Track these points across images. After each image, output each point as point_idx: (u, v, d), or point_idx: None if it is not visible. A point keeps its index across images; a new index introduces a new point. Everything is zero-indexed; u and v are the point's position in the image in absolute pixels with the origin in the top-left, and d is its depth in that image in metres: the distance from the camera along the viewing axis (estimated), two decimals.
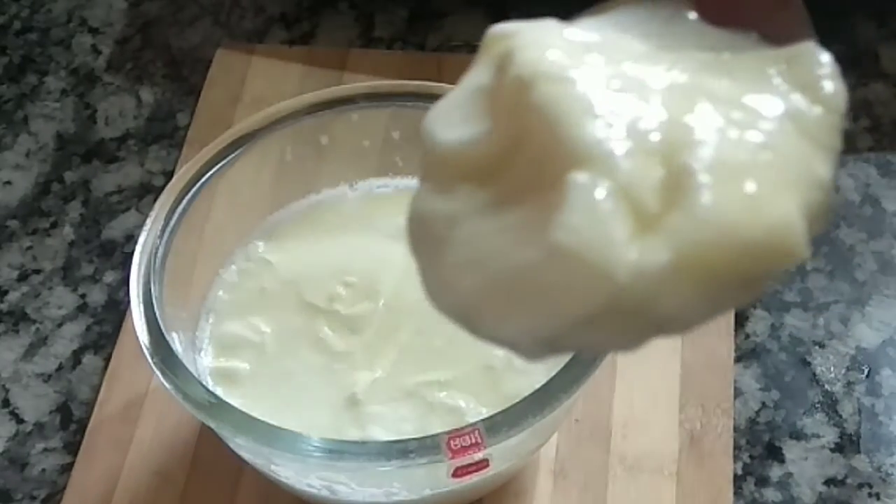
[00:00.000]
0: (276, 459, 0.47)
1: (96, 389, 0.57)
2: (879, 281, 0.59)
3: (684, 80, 0.30)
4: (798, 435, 0.54)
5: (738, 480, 0.53)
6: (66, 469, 0.55)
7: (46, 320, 0.60)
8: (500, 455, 0.46)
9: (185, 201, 0.50)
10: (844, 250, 0.60)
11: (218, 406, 0.45)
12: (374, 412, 0.49)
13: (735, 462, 0.53)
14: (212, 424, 0.45)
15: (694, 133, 0.28)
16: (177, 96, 0.69)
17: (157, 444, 0.54)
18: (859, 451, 0.54)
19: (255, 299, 0.53)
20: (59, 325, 0.60)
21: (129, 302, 0.47)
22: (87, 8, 0.74)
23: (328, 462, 0.44)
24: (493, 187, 0.29)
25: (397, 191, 0.56)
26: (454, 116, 0.30)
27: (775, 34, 0.31)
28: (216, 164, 0.52)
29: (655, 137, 0.28)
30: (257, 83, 0.67)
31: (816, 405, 0.55)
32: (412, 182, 0.55)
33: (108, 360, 0.58)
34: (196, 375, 0.46)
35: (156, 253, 0.49)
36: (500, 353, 0.50)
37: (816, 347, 0.57)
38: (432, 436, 0.44)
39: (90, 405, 0.56)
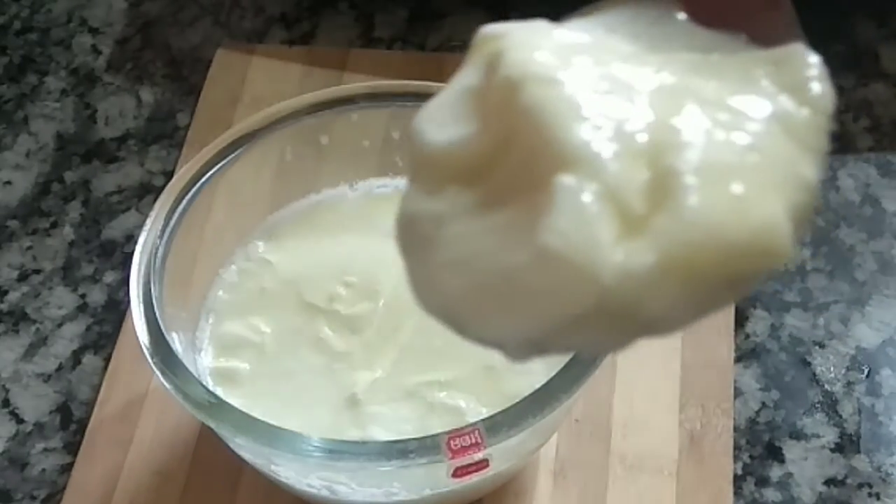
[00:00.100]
0: (276, 459, 0.47)
1: (96, 389, 0.57)
2: (879, 281, 0.59)
3: (672, 81, 0.30)
4: (798, 435, 0.54)
5: (738, 480, 0.53)
6: (66, 469, 0.55)
7: (46, 320, 0.60)
8: (500, 455, 0.46)
9: (185, 201, 0.50)
10: (844, 250, 0.60)
11: (218, 406, 0.45)
12: (375, 412, 0.49)
13: (735, 462, 0.53)
14: (212, 424, 0.45)
15: (681, 135, 0.28)
16: (177, 96, 0.69)
17: (158, 443, 0.54)
18: (859, 451, 0.54)
19: (255, 299, 0.53)
20: (59, 325, 0.60)
21: (129, 302, 0.47)
22: (87, 8, 0.74)
23: (328, 462, 0.44)
24: (482, 188, 0.29)
25: (397, 191, 0.56)
26: (443, 117, 0.30)
27: (764, 35, 0.31)
28: (216, 164, 0.52)
29: (642, 139, 0.28)
30: (257, 83, 0.67)
31: (816, 405, 0.55)
32: None
33: (108, 360, 0.58)
34: (196, 375, 0.46)
35: (156, 253, 0.49)
36: (499, 354, 0.50)
37: (816, 347, 0.57)
38: (432, 436, 0.44)
39: (90, 405, 0.56)
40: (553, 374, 0.45)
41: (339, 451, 0.44)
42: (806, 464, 0.53)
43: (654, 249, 0.26)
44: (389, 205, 0.54)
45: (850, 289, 0.59)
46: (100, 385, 0.57)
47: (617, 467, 0.53)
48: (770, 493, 0.52)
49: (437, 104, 0.31)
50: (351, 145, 0.55)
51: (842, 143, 0.64)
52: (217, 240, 0.53)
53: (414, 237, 0.30)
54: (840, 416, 0.55)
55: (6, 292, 0.61)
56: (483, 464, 0.45)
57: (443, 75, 0.34)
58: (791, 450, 0.54)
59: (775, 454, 0.54)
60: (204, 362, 0.51)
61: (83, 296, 0.61)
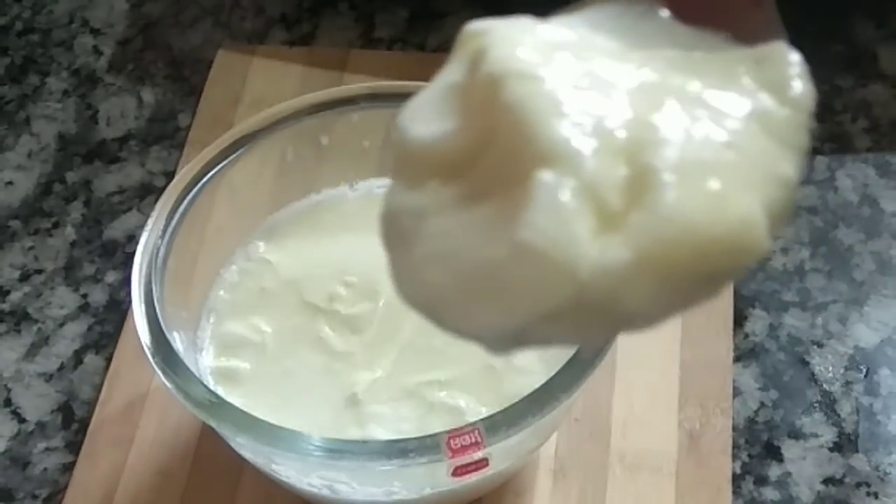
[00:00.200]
0: (276, 459, 0.47)
1: (98, 389, 0.57)
2: (878, 281, 0.59)
3: (653, 78, 0.30)
4: (796, 434, 0.54)
5: (736, 479, 0.53)
6: (68, 468, 0.55)
7: (48, 320, 0.60)
8: (500, 454, 0.46)
9: (186, 202, 0.50)
10: (843, 250, 0.60)
11: (219, 405, 0.45)
12: (375, 412, 0.49)
13: (734, 461, 0.53)
14: (213, 424, 0.45)
15: (659, 132, 0.28)
16: (178, 97, 0.69)
17: (159, 443, 0.54)
18: (857, 451, 0.54)
19: (255, 299, 0.53)
20: (61, 325, 0.60)
21: (130, 302, 0.47)
22: (88, 9, 0.74)
23: (329, 461, 0.44)
24: (463, 183, 0.29)
25: None
26: (427, 113, 0.31)
27: (746, 34, 0.31)
28: (217, 164, 0.51)
29: (622, 136, 0.28)
30: (258, 84, 0.67)
31: (815, 405, 0.55)
32: None
33: (109, 359, 0.58)
34: (197, 375, 0.46)
35: (157, 253, 0.49)
36: None
37: (815, 347, 0.57)
38: (432, 435, 0.44)
39: (91, 405, 0.56)
40: (553, 373, 0.45)
41: (340, 450, 0.44)
42: (804, 463, 0.53)
43: (630, 245, 0.27)
44: None
45: (848, 289, 0.59)
46: (101, 385, 0.57)
47: (616, 466, 0.53)
48: (769, 492, 0.53)
49: (420, 100, 0.31)
50: (351, 146, 0.55)
51: (840, 144, 0.64)
52: (218, 240, 0.53)
53: (396, 231, 0.30)
54: (838, 416, 0.55)
55: (8, 292, 0.61)
56: (483, 463, 0.45)
57: None
58: (790, 449, 0.54)
59: (774, 453, 0.54)
60: (205, 362, 0.51)
61: (85, 296, 0.61)
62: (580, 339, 0.29)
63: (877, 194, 0.62)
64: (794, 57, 0.30)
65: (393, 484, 0.47)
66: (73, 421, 0.56)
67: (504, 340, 0.29)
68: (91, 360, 0.58)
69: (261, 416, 0.45)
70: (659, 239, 0.27)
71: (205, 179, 0.51)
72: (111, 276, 0.61)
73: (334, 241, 0.54)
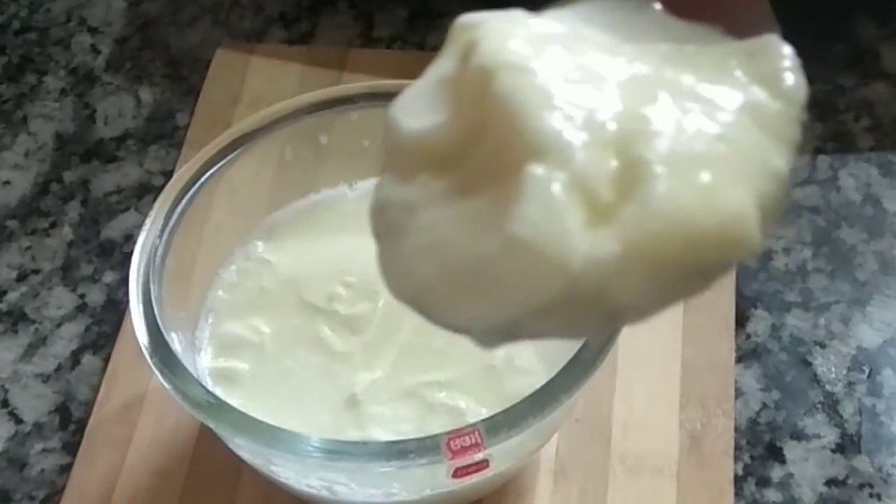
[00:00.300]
0: (275, 460, 0.46)
1: (95, 390, 0.56)
2: (880, 281, 0.59)
3: (645, 71, 0.30)
4: (799, 435, 0.54)
5: (738, 481, 0.52)
6: (66, 469, 0.54)
7: (45, 320, 0.60)
8: (501, 455, 0.46)
9: (184, 201, 0.50)
10: (845, 250, 0.60)
11: (217, 406, 0.45)
12: (374, 413, 0.49)
13: (736, 462, 0.53)
14: (211, 425, 0.45)
15: (651, 125, 0.28)
16: (176, 96, 0.68)
17: (157, 444, 0.54)
18: (860, 452, 0.53)
19: (254, 299, 0.53)
20: (59, 326, 0.60)
21: (128, 302, 0.47)
22: (86, 7, 0.74)
23: (328, 463, 0.44)
24: (454, 175, 0.29)
25: None
26: (418, 105, 0.31)
27: (740, 27, 0.31)
28: (215, 163, 0.51)
29: (613, 128, 0.28)
30: (257, 83, 0.67)
31: (817, 405, 0.55)
32: None
33: (107, 360, 0.57)
34: (195, 375, 0.46)
35: (155, 253, 0.49)
36: (500, 354, 0.50)
37: (817, 348, 0.57)
38: (432, 436, 0.43)
39: (89, 405, 0.56)
40: (553, 374, 0.45)
41: (339, 451, 0.44)
42: (807, 464, 0.53)
43: (621, 238, 0.27)
44: None
45: (851, 289, 0.59)
46: (99, 385, 0.56)
47: (617, 468, 0.53)
48: (771, 494, 0.52)
49: (411, 93, 0.31)
50: (350, 145, 0.55)
51: (843, 143, 0.64)
52: (216, 240, 0.53)
53: (385, 224, 0.30)
54: (841, 417, 0.54)
55: (5, 292, 0.61)
56: (483, 464, 0.45)
57: None
58: (792, 450, 0.54)
59: (776, 455, 0.53)
60: (203, 362, 0.51)
61: (82, 296, 0.61)
62: (572, 333, 0.29)
63: (879, 194, 0.62)
64: (787, 50, 0.30)
65: (392, 485, 0.47)
66: (70, 422, 0.56)
67: (494, 334, 0.29)
68: (89, 360, 0.58)
69: (259, 417, 0.45)
70: (650, 231, 0.27)
71: (203, 179, 0.51)
72: (109, 277, 0.61)
73: (333, 241, 0.54)
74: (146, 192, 0.64)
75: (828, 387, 0.55)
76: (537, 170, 0.27)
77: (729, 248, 0.27)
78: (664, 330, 0.56)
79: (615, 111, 0.28)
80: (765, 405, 0.55)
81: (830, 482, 0.53)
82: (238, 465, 0.51)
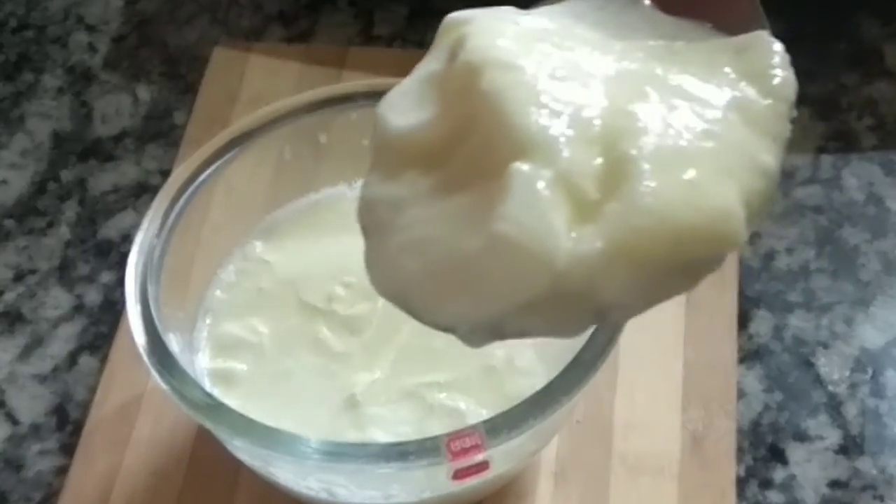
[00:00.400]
0: (273, 461, 0.46)
1: (92, 390, 0.56)
2: (884, 281, 0.59)
3: (634, 68, 0.30)
4: (802, 437, 0.54)
5: (741, 483, 0.52)
6: (63, 471, 0.54)
7: (42, 321, 0.60)
8: (501, 457, 0.46)
9: (182, 200, 0.50)
10: (848, 250, 0.60)
11: (215, 407, 0.45)
12: (374, 414, 0.49)
13: (738, 464, 0.53)
14: (209, 426, 0.45)
15: (638, 121, 0.28)
16: (174, 95, 0.68)
17: (155, 445, 0.54)
18: (863, 453, 0.53)
19: (253, 300, 0.53)
20: (55, 326, 0.59)
21: (125, 302, 0.47)
22: (83, 5, 0.74)
23: (327, 464, 0.44)
24: (440, 172, 0.29)
25: None
26: (406, 102, 0.31)
27: (729, 23, 0.31)
28: (213, 163, 0.51)
29: (599, 125, 0.28)
30: (255, 81, 0.67)
31: (820, 407, 0.55)
32: None
33: (104, 360, 0.57)
34: (193, 376, 0.46)
35: (153, 252, 0.49)
36: (500, 354, 0.50)
37: (820, 348, 0.56)
38: (432, 438, 0.43)
39: (86, 406, 0.56)
40: (554, 375, 0.45)
41: (338, 453, 0.44)
42: (810, 466, 0.53)
43: (605, 234, 0.27)
44: None
45: (853, 289, 0.58)
46: (96, 386, 0.56)
47: (618, 469, 0.52)
48: (773, 496, 0.52)
49: (400, 90, 0.31)
50: (350, 144, 0.55)
51: (846, 142, 0.64)
52: (215, 239, 0.53)
53: (372, 221, 0.30)
54: (844, 418, 0.54)
55: (2, 293, 0.61)
56: (483, 466, 0.45)
57: None
58: (794, 452, 0.53)
59: (779, 456, 0.53)
60: (201, 363, 0.51)
61: (79, 296, 0.60)
62: (558, 331, 0.29)
63: (883, 193, 0.62)
64: (776, 46, 0.30)
65: (392, 487, 0.47)
66: (67, 423, 0.56)
67: (480, 332, 0.29)
68: (86, 361, 0.58)
69: (258, 419, 0.45)
70: (634, 228, 0.27)
71: (201, 178, 0.51)
72: (106, 276, 0.61)
73: (333, 241, 0.54)
74: (144, 192, 0.64)
75: (831, 388, 0.55)
76: (523, 167, 0.27)
77: (714, 244, 0.27)
78: (666, 330, 0.56)
79: (602, 108, 0.29)
80: (767, 406, 0.55)
81: (833, 484, 0.53)
82: (236, 466, 0.51)
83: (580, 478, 0.52)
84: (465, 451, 0.43)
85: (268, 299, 0.53)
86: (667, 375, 0.55)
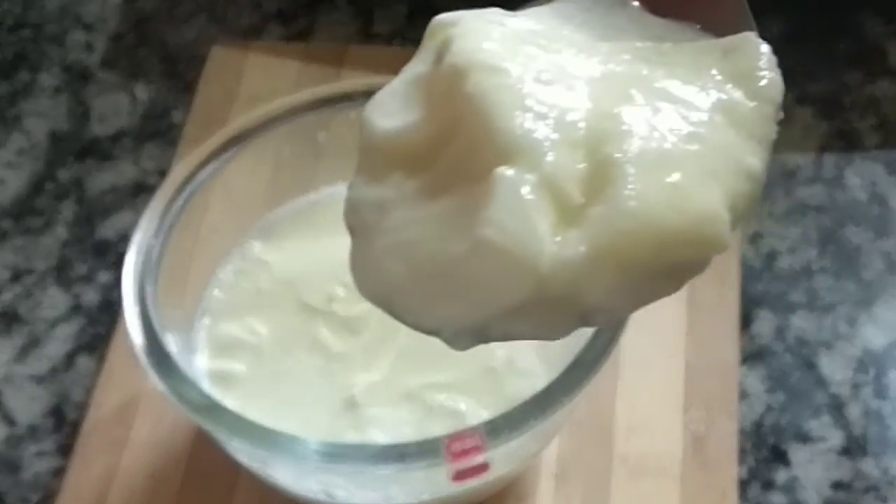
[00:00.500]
0: (272, 463, 0.46)
1: (90, 391, 0.56)
2: (887, 281, 0.58)
3: (620, 70, 0.30)
4: (804, 438, 0.54)
5: (742, 484, 0.52)
6: (60, 472, 0.54)
7: (39, 321, 0.60)
8: (501, 458, 0.46)
9: (180, 200, 0.50)
10: (851, 250, 0.60)
11: (213, 408, 0.45)
12: (373, 415, 0.49)
13: (740, 465, 0.53)
14: (207, 427, 0.45)
15: (622, 124, 0.28)
16: (172, 94, 0.68)
17: (153, 446, 0.54)
18: (866, 455, 0.53)
19: (251, 300, 0.53)
20: (53, 326, 0.59)
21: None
22: (80, 4, 0.74)
23: (326, 466, 0.44)
24: (426, 175, 0.29)
25: None
26: (392, 105, 0.31)
27: (717, 24, 0.31)
28: (212, 162, 0.51)
29: (584, 129, 0.28)
30: (254, 80, 0.67)
31: (823, 408, 0.55)
32: None
33: (102, 361, 0.57)
34: (191, 377, 0.46)
35: (150, 252, 0.48)
36: (500, 355, 0.50)
37: (822, 349, 0.56)
38: (432, 439, 0.43)
39: (84, 407, 0.56)
40: (555, 375, 0.45)
41: (337, 454, 0.44)
42: (812, 467, 0.53)
43: (589, 238, 0.27)
44: None
45: (856, 289, 0.58)
46: (94, 387, 0.56)
47: (619, 470, 0.52)
48: (776, 497, 0.52)
49: (386, 92, 0.31)
50: (349, 143, 0.54)
51: (848, 141, 0.63)
52: (213, 239, 0.53)
53: (357, 225, 0.31)
54: (847, 419, 0.54)
55: None
56: (483, 467, 0.45)
57: None
58: (797, 453, 0.53)
59: (781, 457, 0.53)
60: (200, 364, 0.51)
61: (77, 296, 0.60)
62: (543, 334, 0.29)
63: (886, 192, 0.62)
64: (763, 48, 0.31)
65: (391, 488, 0.47)
66: (64, 424, 0.56)
67: (465, 335, 0.29)
68: (83, 361, 0.58)
69: (256, 420, 0.44)
70: (618, 231, 0.27)
71: (199, 178, 0.51)
72: (104, 277, 0.61)
73: (332, 241, 0.54)
74: (142, 191, 0.64)
75: (833, 389, 0.55)
76: (507, 172, 0.27)
77: (699, 247, 0.27)
78: (667, 331, 0.56)
79: (587, 111, 0.29)
80: (769, 407, 0.55)
81: (836, 485, 0.52)
82: (235, 468, 0.50)
83: (581, 479, 0.52)
84: (465, 453, 0.43)
85: (267, 299, 0.53)
86: (668, 376, 0.55)
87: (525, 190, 0.27)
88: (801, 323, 0.57)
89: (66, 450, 0.55)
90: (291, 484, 0.48)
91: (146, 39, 0.71)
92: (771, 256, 0.59)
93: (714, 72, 0.30)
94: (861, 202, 0.61)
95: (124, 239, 0.62)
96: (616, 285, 0.27)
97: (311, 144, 0.54)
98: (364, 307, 0.51)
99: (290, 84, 0.66)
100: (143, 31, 0.72)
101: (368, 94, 0.52)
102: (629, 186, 0.27)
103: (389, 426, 0.49)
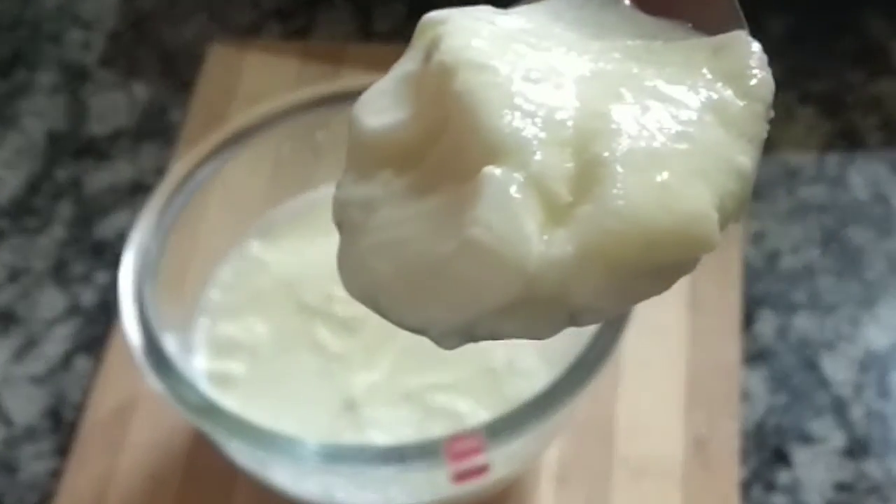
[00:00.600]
0: (271, 464, 0.46)
1: (88, 392, 0.56)
2: (889, 281, 0.58)
3: (609, 69, 0.30)
4: (806, 439, 0.54)
5: (745, 485, 0.52)
6: (57, 473, 0.54)
7: (37, 321, 0.59)
8: (501, 460, 0.46)
9: (178, 199, 0.50)
10: (853, 250, 0.59)
11: (211, 409, 0.45)
12: (373, 415, 0.49)
13: (742, 466, 0.52)
14: (206, 428, 0.45)
15: (611, 123, 0.28)
16: (170, 92, 0.68)
17: (151, 447, 0.54)
18: (869, 456, 0.53)
19: (250, 300, 0.53)
20: (50, 327, 0.59)
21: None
22: (78, 2, 0.74)
23: (325, 467, 0.44)
24: (413, 173, 0.30)
25: None
26: (380, 103, 0.31)
27: (709, 23, 0.31)
28: (210, 161, 0.51)
29: (573, 127, 0.28)
30: (253, 79, 0.67)
31: (825, 408, 0.54)
32: None
33: (100, 362, 0.57)
34: (190, 378, 0.46)
35: (148, 252, 0.48)
36: (500, 356, 0.50)
37: (825, 349, 0.56)
38: (432, 440, 0.44)
39: (82, 408, 0.56)
40: (555, 376, 0.45)
41: (337, 455, 0.44)
42: (815, 468, 0.53)
43: (576, 238, 0.27)
44: None
45: (859, 289, 0.58)
46: (91, 388, 0.56)
47: (621, 472, 0.52)
48: (778, 499, 0.52)
49: (375, 90, 0.32)
50: None
51: (851, 141, 0.63)
52: (211, 239, 0.53)
53: (344, 224, 0.31)
54: (849, 420, 0.54)
55: None
56: (484, 469, 0.45)
57: None
58: (799, 454, 0.53)
59: (783, 459, 0.53)
60: (198, 364, 0.51)
61: (74, 296, 0.60)
62: (532, 334, 0.29)
63: (888, 192, 0.61)
64: (754, 47, 0.31)
65: (391, 490, 0.47)
66: (62, 424, 0.56)
67: (452, 335, 0.29)
68: (81, 362, 0.58)
69: (255, 421, 0.45)
70: (606, 230, 0.27)
71: (198, 177, 0.51)
72: (101, 277, 0.61)
73: (331, 241, 0.53)
74: (139, 191, 0.64)
75: (836, 389, 0.55)
76: (495, 171, 0.27)
77: (687, 246, 0.27)
78: (669, 331, 0.56)
79: (576, 110, 0.29)
80: (771, 408, 0.54)
81: (839, 486, 0.52)
82: (234, 470, 0.50)
83: (582, 481, 0.52)
84: (465, 454, 0.43)
85: (265, 299, 0.53)
86: (670, 377, 0.55)
87: (513, 189, 0.27)
88: (803, 323, 0.57)
89: (63, 451, 0.55)
90: (290, 485, 0.47)
91: (144, 38, 0.71)
92: (773, 256, 0.59)
93: (705, 70, 0.30)
94: (864, 202, 0.61)
95: (122, 239, 0.61)
96: (604, 285, 0.27)
97: (310, 143, 0.54)
98: (364, 307, 0.51)
99: (289, 82, 0.66)
100: (141, 30, 0.71)
101: None
102: (617, 185, 0.27)
103: (389, 427, 0.49)
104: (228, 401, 0.48)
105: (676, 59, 0.30)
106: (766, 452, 0.53)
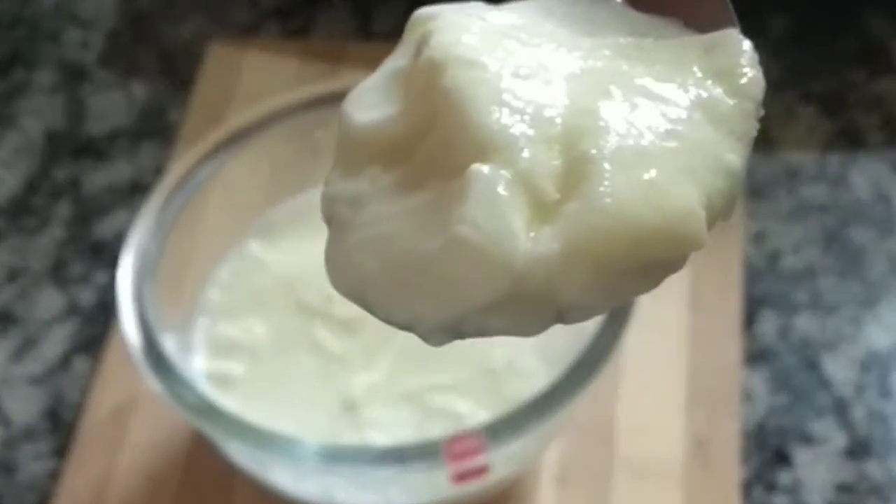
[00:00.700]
0: (271, 465, 0.46)
1: (86, 392, 0.56)
2: (891, 281, 0.58)
3: (599, 66, 0.30)
4: (808, 439, 0.53)
5: (746, 486, 0.52)
6: (56, 474, 0.54)
7: (35, 321, 0.59)
8: (501, 461, 0.46)
9: (177, 199, 0.50)
10: (855, 250, 0.59)
11: (210, 410, 0.45)
12: (372, 416, 0.49)
13: (743, 467, 0.52)
14: (205, 429, 0.45)
15: (600, 120, 0.28)
16: (169, 92, 0.68)
17: (150, 447, 0.54)
18: (870, 456, 0.53)
19: (249, 300, 0.53)
20: (49, 327, 0.59)
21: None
22: (77, 1, 0.74)
23: (325, 468, 0.44)
24: (402, 168, 0.29)
25: None
26: (370, 99, 0.31)
27: (700, 21, 0.31)
28: (209, 161, 0.51)
29: (561, 124, 0.28)
30: (252, 78, 0.67)
31: (826, 409, 0.54)
32: None
33: (98, 362, 0.57)
34: (189, 378, 0.46)
35: (147, 252, 0.48)
36: (500, 357, 0.50)
37: (826, 350, 0.56)
38: (432, 441, 0.43)
39: (80, 409, 0.56)
40: (555, 376, 0.44)
41: (336, 456, 0.44)
42: (816, 469, 0.53)
43: (563, 235, 0.27)
44: None
45: (860, 289, 0.58)
46: (90, 388, 0.56)
47: (621, 473, 0.52)
48: (779, 499, 0.52)
49: (364, 86, 0.32)
50: None
51: (852, 140, 0.63)
52: (211, 239, 0.53)
53: (332, 219, 0.31)
54: (851, 420, 0.54)
55: None
56: (484, 469, 0.45)
57: None
58: (800, 454, 0.53)
59: (784, 459, 0.53)
60: (197, 364, 0.51)
61: (73, 296, 0.60)
62: (519, 331, 0.29)
63: (890, 192, 0.61)
64: (745, 45, 0.31)
65: (391, 490, 0.46)
66: (61, 425, 0.56)
67: (439, 331, 0.29)
68: (79, 362, 0.58)
69: (254, 421, 0.44)
70: (592, 228, 0.27)
71: (197, 177, 0.51)
72: (100, 277, 0.61)
73: None
74: (138, 191, 0.64)
75: (837, 390, 0.55)
76: (483, 169, 0.27)
77: (674, 244, 0.27)
78: (670, 331, 0.56)
79: (564, 107, 0.29)
80: (773, 408, 0.54)
81: (840, 487, 0.52)
82: (233, 470, 0.50)
83: (582, 482, 0.52)
84: (465, 455, 0.43)
85: (265, 300, 0.53)
86: (671, 377, 0.54)
87: (500, 187, 0.27)
88: (804, 323, 0.57)
89: (62, 451, 0.55)
90: (290, 486, 0.47)
91: (143, 37, 0.71)
92: (774, 256, 0.59)
93: (695, 68, 0.30)
94: (865, 201, 0.61)
95: (121, 238, 0.61)
96: (591, 282, 0.27)
97: (310, 143, 0.54)
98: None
99: (289, 82, 0.66)
100: (140, 29, 0.71)
101: None
102: (605, 183, 0.27)
103: (388, 427, 0.48)
104: (227, 401, 0.48)
105: (667, 56, 0.30)
106: (767, 453, 0.53)
